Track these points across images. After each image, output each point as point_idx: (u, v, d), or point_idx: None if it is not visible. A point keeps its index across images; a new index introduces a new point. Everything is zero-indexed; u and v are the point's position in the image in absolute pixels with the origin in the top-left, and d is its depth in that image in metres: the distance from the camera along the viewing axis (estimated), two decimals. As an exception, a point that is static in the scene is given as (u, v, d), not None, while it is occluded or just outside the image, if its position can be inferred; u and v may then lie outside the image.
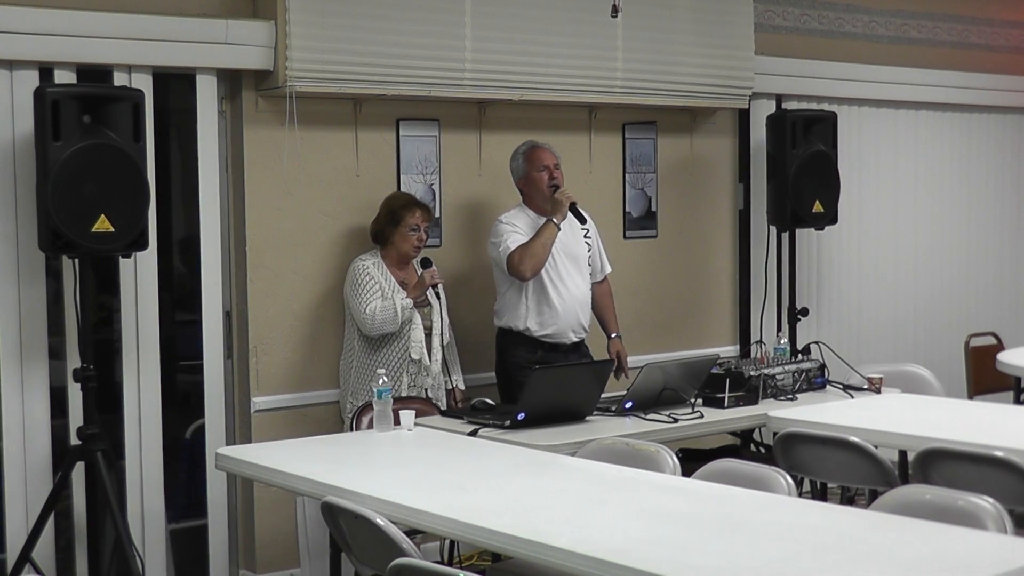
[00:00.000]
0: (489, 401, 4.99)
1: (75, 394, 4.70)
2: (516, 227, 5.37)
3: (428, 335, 5.24)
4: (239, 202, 5.25)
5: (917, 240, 7.69)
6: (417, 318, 5.20)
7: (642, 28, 6.05)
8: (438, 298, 5.26)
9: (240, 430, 5.29)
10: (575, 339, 5.52)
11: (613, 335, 5.75)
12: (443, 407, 5.18)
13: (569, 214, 5.40)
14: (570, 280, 5.48)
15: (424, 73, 5.42)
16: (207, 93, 5.14)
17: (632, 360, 5.74)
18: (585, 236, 5.57)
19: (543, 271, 5.37)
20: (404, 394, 5.14)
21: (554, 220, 5.33)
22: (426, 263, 5.27)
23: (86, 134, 4.43)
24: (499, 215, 5.51)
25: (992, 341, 7.08)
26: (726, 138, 6.78)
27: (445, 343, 5.33)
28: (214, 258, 5.21)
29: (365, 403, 4.92)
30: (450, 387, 5.37)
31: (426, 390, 5.23)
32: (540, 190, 5.43)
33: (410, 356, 5.18)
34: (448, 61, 5.49)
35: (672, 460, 3.96)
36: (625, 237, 6.38)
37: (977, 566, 2.87)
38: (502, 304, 5.49)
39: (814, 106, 6.89)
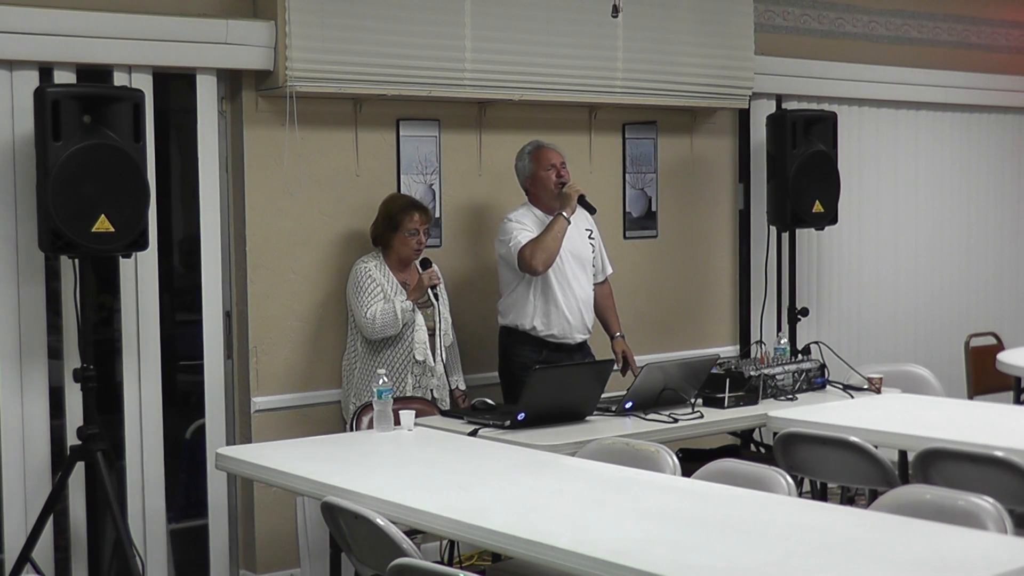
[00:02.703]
0: (489, 401, 4.98)
1: (75, 394, 4.70)
2: (524, 225, 5.37)
3: (431, 335, 5.24)
4: (239, 202, 5.25)
5: (917, 240, 7.69)
6: (420, 319, 5.20)
7: (642, 28, 6.05)
8: (436, 299, 5.26)
9: (240, 430, 5.29)
10: (580, 339, 5.53)
11: (617, 335, 5.75)
12: (448, 407, 5.19)
13: (580, 207, 5.41)
14: (575, 281, 5.48)
15: (424, 73, 5.42)
16: (207, 93, 5.14)
17: (632, 360, 5.75)
18: (589, 237, 5.58)
19: (549, 271, 5.37)
20: (409, 395, 5.14)
21: (563, 213, 5.34)
22: (425, 264, 5.27)
23: (86, 134, 4.43)
24: (502, 214, 5.52)
25: (992, 341, 7.08)
26: (726, 138, 6.78)
27: (448, 344, 5.34)
28: (214, 258, 5.21)
29: (365, 403, 4.92)
30: (451, 388, 5.38)
31: (432, 391, 5.23)
32: (547, 189, 5.44)
33: (414, 357, 5.18)
34: (448, 61, 5.49)
35: (672, 460, 3.96)
36: (625, 237, 6.38)
37: (977, 566, 2.87)
38: (508, 302, 5.48)
39: (814, 106, 6.89)
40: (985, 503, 3.30)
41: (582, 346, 5.55)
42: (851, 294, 7.34)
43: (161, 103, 5.14)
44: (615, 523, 3.28)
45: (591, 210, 5.46)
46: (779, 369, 5.17)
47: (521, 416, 4.48)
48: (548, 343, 5.45)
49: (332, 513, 3.66)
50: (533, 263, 5.29)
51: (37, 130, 4.43)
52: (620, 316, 5.83)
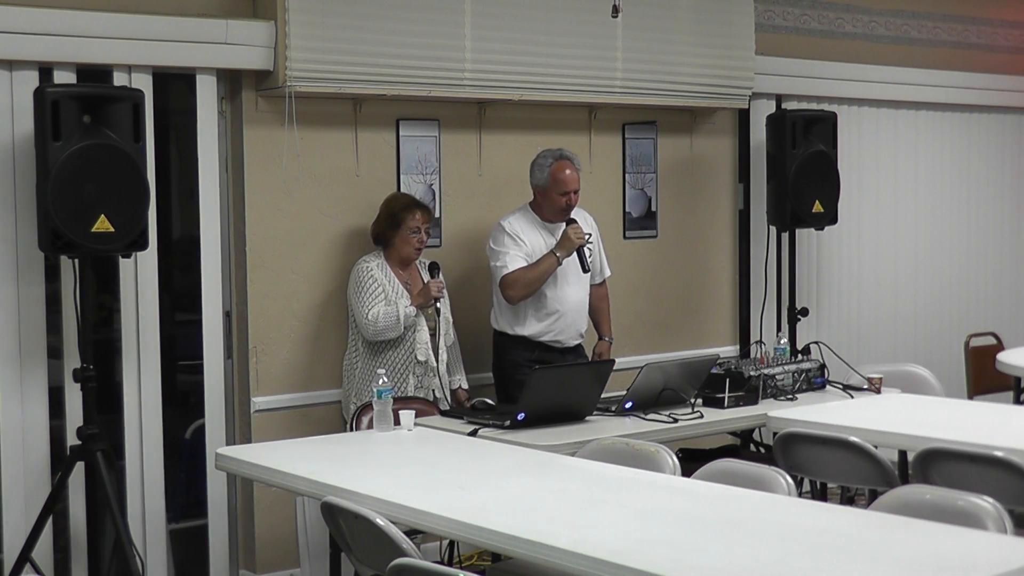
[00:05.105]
0: (489, 401, 4.99)
1: (75, 394, 4.69)
2: (518, 240, 5.37)
3: (433, 335, 5.24)
4: (239, 202, 5.25)
5: (917, 240, 7.69)
6: (422, 320, 5.20)
7: (642, 28, 6.05)
8: (438, 311, 5.24)
9: (240, 430, 5.29)
10: (572, 344, 5.53)
11: (604, 338, 5.78)
12: (449, 407, 5.19)
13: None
14: (569, 288, 5.48)
15: (424, 73, 5.42)
16: (207, 93, 5.14)
17: (632, 360, 5.74)
18: (587, 241, 5.57)
19: None
20: (411, 395, 5.14)
21: (557, 255, 5.35)
22: (434, 270, 5.27)
23: (86, 134, 4.43)
24: (501, 214, 5.51)
25: (992, 341, 7.08)
26: (726, 138, 6.78)
27: (450, 343, 5.34)
28: (214, 258, 5.21)
29: (365, 403, 4.92)
30: (453, 387, 5.37)
31: (433, 391, 5.23)
32: (554, 209, 5.44)
33: (416, 358, 5.18)
34: (448, 61, 5.49)
35: (672, 460, 3.96)
36: (625, 237, 6.38)
37: (977, 566, 2.87)
38: (500, 308, 5.49)
39: (814, 106, 6.89)
40: (985, 503, 3.30)
41: (576, 348, 5.56)
42: (851, 294, 7.34)
43: (161, 103, 5.14)
44: (615, 523, 3.28)
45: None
46: (779, 369, 5.17)
47: (521, 416, 4.48)
48: (541, 344, 5.46)
49: (332, 513, 3.66)
50: (510, 294, 5.34)
51: (37, 130, 4.43)
52: (621, 316, 5.84)
